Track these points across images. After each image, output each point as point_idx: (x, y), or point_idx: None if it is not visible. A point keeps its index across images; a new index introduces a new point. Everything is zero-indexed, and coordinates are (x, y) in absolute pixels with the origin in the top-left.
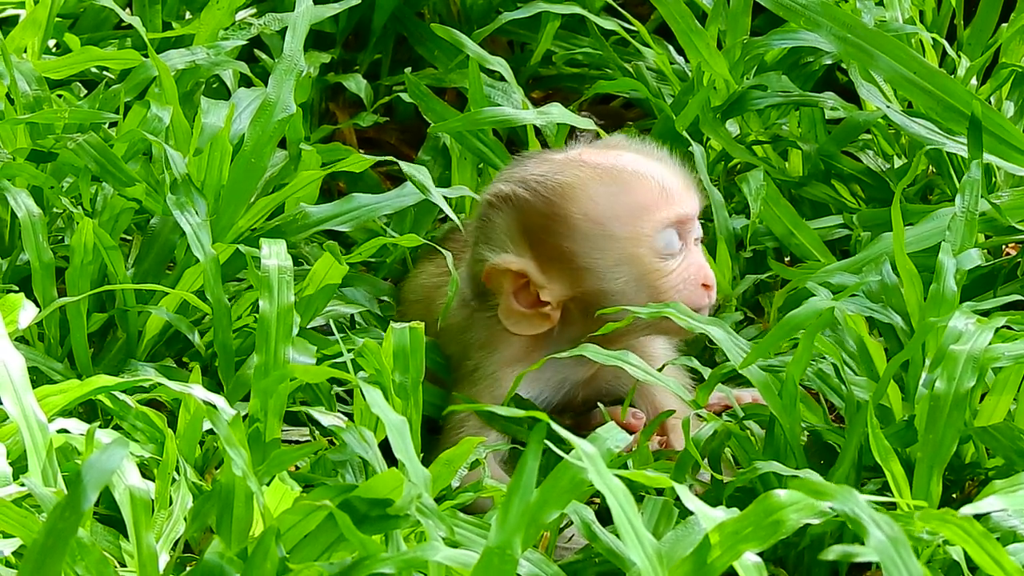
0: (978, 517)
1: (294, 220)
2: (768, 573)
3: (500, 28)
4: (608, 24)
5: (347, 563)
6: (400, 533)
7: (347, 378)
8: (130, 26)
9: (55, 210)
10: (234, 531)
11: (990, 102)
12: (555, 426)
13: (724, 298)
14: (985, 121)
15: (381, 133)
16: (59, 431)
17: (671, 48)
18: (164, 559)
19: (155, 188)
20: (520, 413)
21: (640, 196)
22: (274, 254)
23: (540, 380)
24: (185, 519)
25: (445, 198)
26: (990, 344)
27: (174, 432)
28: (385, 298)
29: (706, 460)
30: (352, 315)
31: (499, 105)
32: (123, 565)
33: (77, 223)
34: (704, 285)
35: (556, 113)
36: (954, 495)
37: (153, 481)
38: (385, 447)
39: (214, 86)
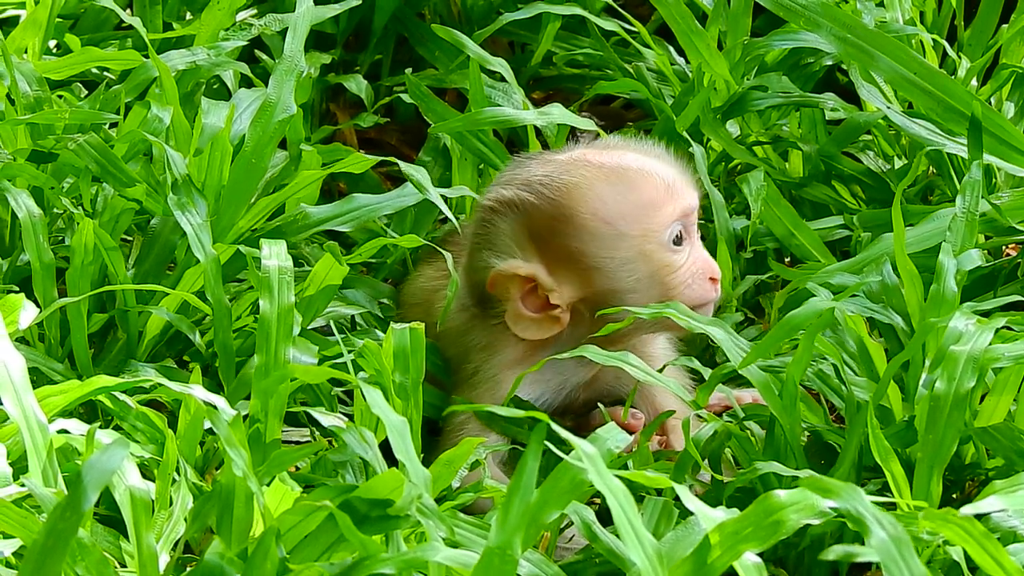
0: (978, 517)
1: (294, 220)
2: (768, 573)
3: (501, 29)
4: (609, 25)
5: (347, 563)
6: (400, 533)
7: (347, 379)
8: (131, 27)
9: (56, 211)
10: (234, 531)
11: (990, 103)
12: (555, 426)
13: (724, 298)
14: (985, 122)
15: (382, 134)
16: (59, 431)
17: (671, 49)
18: (164, 559)
19: (156, 189)
20: (520, 413)
21: (647, 193)
22: (274, 254)
23: (540, 382)
24: (185, 519)
25: (445, 199)
26: (990, 344)
27: (174, 432)
28: (385, 300)
29: (706, 460)
30: (353, 316)
31: (500, 106)
32: (123, 565)
33: (78, 224)
34: (711, 279)
35: (557, 114)
36: (954, 495)
37: (153, 481)
38: (385, 448)
39: (215, 87)
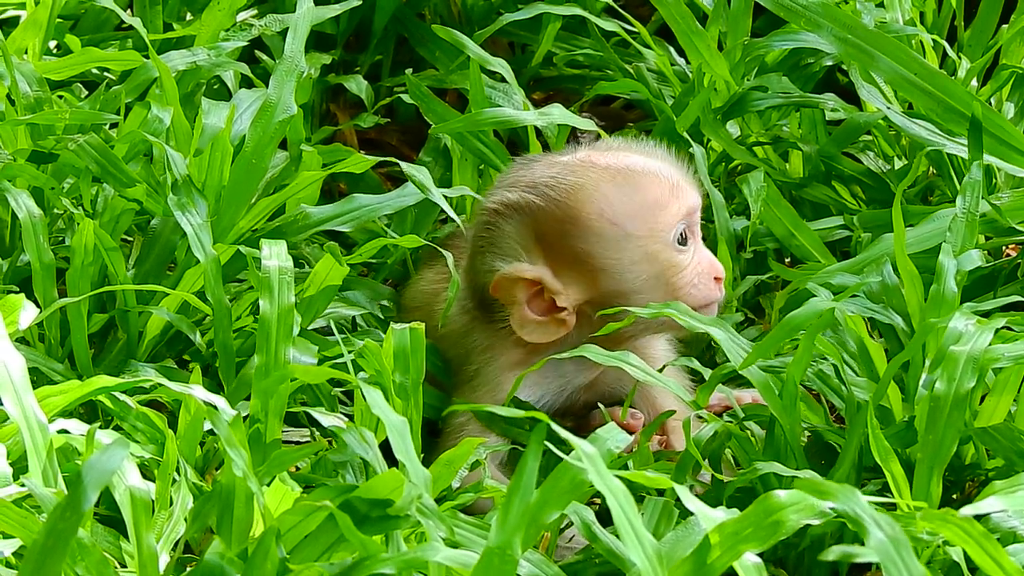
0: (978, 518)
1: (295, 221)
2: (768, 574)
3: (501, 29)
4: (609, 25)
5: (347, 563)
6: (400, 533)
7: (347, 379)
8: (131, 27)
9: (56, 211)
10: (234, 532)
11: (990, 103)
12: (555, 427)
13: (725, 299)
14: (985, 122)
15: (382, 134)
16: (59, 432)
17: (672, 49)
18: (164, 559)
19: (156, 189)
20: (520, 414)
21: (652, 193)
22: (275, 255)
23: (541, 384)
24: (185, 520)
25: (446, 199)
26: (990, 345)
27: (174, 433)
28: (385, 303)
29: (706, 461)
30: (353, 317)
31: (500, 106)
32: (123, 566)
33: (78, 224)
34: (716, 278)
35: (557, 114)
36: (954, 496)
37: (153, 482)
38: (385, 448)
39: (215, 87)
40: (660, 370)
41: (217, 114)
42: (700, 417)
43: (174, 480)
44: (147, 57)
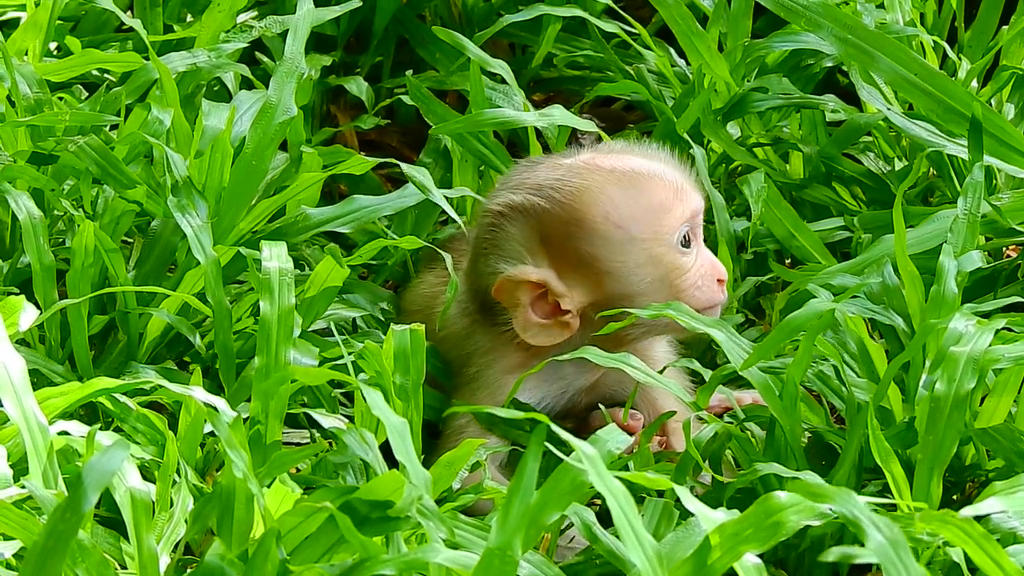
0: (978, 519)
1: (295, 222)
2: (768, 574)
3: (501, 31)
4: (609, 27)
5: (348, 565)
6: (401, 535)
7: (348, 380)
8: (131, 29)
9: (56, 212)
10: (235, 533)
11: (991, 104)
12: (555, 428)
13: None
14: (986, 123)
15: (382, 135)
16: (60, 433)
17: (672, 50)
18: (165, 561)
19: (156, 190)
20: (520, 415)
21: (657, 196)
22: (275, 256)
23: (542, 386)
24: (186, 521)
25: (446, 199)
26: (990, 346)
27: (175, 434)
28: (385, 305)
29: (707, 462)
30: (354, 319)
31: (500, 107)
32: (124, 567)
33: (78, 225)
34: (719, 280)
35: (557, 115)
36: (954, 496)
37: (154, 483)
38: (386, 449)
39: (215, 88)
40: (661, 371)
41: (217, 115)
42: (700, 418)
43: (174, 481)
44: (147, 59)
